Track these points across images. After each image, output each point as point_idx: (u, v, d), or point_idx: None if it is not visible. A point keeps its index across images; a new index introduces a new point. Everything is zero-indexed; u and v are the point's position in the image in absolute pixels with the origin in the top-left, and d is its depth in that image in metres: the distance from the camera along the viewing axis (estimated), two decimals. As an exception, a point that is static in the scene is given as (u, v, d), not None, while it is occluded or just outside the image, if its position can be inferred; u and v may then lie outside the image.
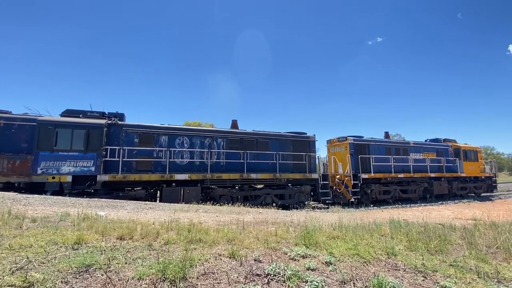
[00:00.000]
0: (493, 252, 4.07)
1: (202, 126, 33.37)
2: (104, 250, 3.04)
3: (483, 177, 19.32)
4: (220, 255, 3.17)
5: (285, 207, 11.51)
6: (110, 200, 7.89)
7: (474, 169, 18.73)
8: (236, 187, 11.40)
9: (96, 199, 7.96)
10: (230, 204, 9.03)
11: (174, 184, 10.13)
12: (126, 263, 2.72)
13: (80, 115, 9.71)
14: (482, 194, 19.10)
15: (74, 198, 7.74)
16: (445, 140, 18.88)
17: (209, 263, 2.92)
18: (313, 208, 12.38)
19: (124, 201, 7.78)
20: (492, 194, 19.69)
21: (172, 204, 8.41)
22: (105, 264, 2.60)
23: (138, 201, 8.08)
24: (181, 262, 2.68)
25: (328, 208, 12.56)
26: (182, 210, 6.75)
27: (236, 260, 3.06)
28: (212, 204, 8.80)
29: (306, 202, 12.31)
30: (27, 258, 2.65)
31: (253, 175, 11.45)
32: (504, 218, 7.00)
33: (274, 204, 11.69)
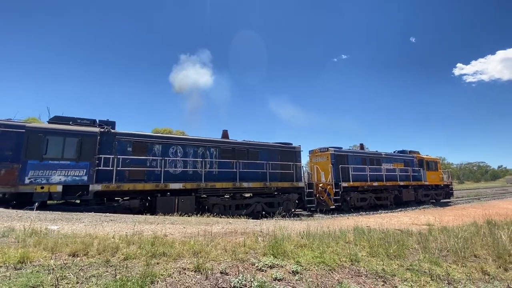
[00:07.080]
0: (444, 255, 4.41)
1: (172, 133, 32.35)
2: (53, 268, 2.75)
3: (442, 185, 21.34)
4: (185, 269, 3.03)
5: (256, 217, 11.48)
6: (66, 212, 7.22)
7: (435, 178, 20.68)
8: (227, 196, 11.39)
9: (48, 211, 7.26)
10: (221, 215, 9.05)
11: (168, 193, 9.84)
12: (77, 283, 2.49)
13: (70, 122, 9.18)
14: (442, 200, 21.03)
15: (21, 210, 6.95)
16: (410, 151, 20.63)
17: (172, 278, 2.78)
18: (283, 216, 12.55)
19: (81, 213, 7.17)
20: (449, 200, 21.71)
21: (136, 216, 7.93)
22: (52, 285, 2.35)
23: (97, 213, 7.50)
24: (141, 278, 2.52)
25: (312, 215, 13.03)
26: (147, 222, 6.39)
27: (201, 273, 2.95)
28: (202, 214, 8.88)
29: (292, 210, 12.74)
30: (-45, 282, 2.30)
31: (245, 184, 11.62)
32: (453, 223, 7.67)
33: (264, 212, 11.86)
